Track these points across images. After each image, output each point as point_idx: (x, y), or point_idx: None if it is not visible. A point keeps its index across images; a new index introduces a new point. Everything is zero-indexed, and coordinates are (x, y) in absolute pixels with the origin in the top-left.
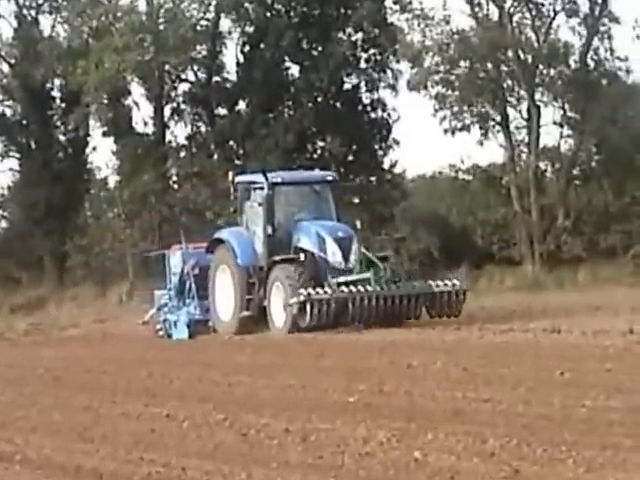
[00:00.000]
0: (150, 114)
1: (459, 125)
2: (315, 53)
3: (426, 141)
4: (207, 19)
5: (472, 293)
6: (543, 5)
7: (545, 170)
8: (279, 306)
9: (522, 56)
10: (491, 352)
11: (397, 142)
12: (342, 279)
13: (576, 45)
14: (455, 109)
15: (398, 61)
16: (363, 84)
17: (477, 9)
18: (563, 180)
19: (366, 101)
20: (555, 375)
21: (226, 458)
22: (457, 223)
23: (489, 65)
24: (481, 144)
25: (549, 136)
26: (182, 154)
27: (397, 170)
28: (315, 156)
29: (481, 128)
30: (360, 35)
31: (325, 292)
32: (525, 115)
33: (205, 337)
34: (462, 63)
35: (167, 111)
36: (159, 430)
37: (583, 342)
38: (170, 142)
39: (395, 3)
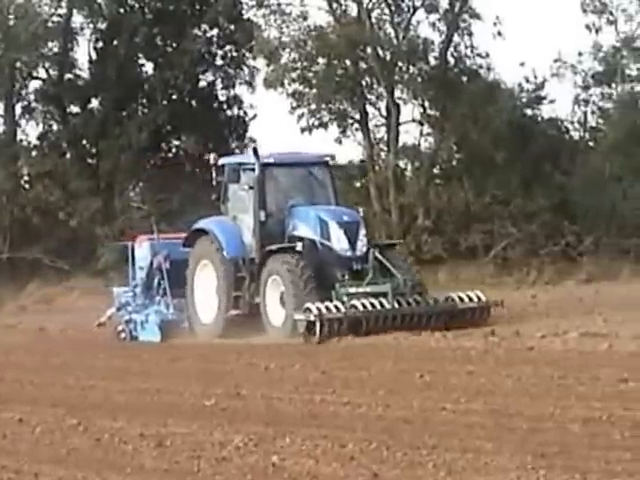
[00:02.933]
0: (0, 112)
1: (317, 123)
2: (170, 50)
3: (283, 139)
4: (59, 15)
5: None
6: (403, 1)
7: (405, 169)
8: (276, 303)
9: (381, 53)
10: (350, 355)
11: (254, 140)
12: (353, 290)
13: (436, 42)
14: (313, 107)
15: (255, 58)
16: (219, 81)
17: (335, 5)
18: (423, 179)
19: (222, 98)
20: (415, 378)
21: (80, 463)
22: None
23: (347, 62)
24: (339, 142)
25: (409, 134)
26: (34, 153)
27: None
28: (170, 155)
29: (339, 126)
30: (215, 31)
31: (337, 309)
32: (384, 113)
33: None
34: (320, 60)
35: (18, 109)
36: (11, 436)
37: (444, 344)
38: (21, 141)
39: None
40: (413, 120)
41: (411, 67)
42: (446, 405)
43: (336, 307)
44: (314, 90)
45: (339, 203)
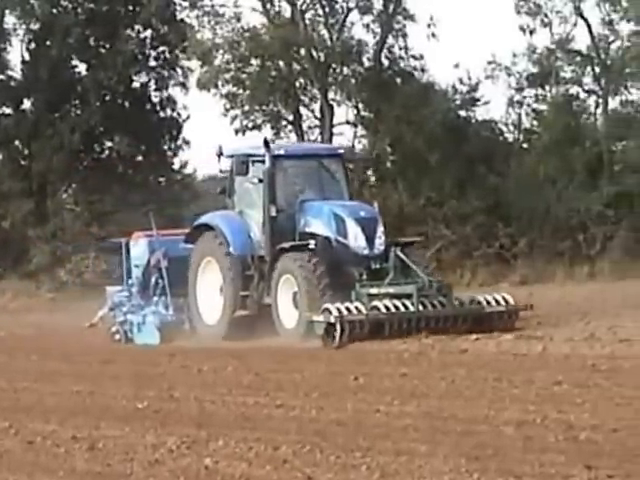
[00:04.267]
0: None
1: (250, 125)
2: (103, 51)
3: (217, 141)
4: None
5: None
6: (336, 2)
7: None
8: (288, 303)
9: (315, 54)
10: (284, 358)
11: (187, 142)
12: (375, 291)
13: (370, 43)
14: (246, 108)
15: (188, 59)
16: (152, 82)
17: (269, 6)
18: (357, 180)
19: (155, 100)
20: (349, 380)
21: (11, 467)
22: None
23: (281, 63)
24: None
25: (343, 136)
26: None
27: (187, 170)
28: (103, 156)
29: (273, 128)
30: (149, 32)
31: (358, 310)
32: (318, 114)
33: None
34: (253, 61)
35: None
36: None
37: (377, 347)
38: None
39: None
40: (347, 122)
41: (345, 68)
42: (380, 407)
43: (357, 308)
44: (248, 91)
45: (352, 198)
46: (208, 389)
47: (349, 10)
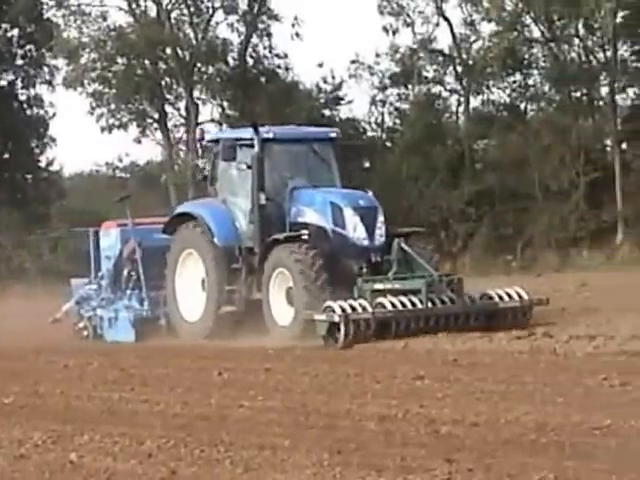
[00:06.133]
0: None
1: (117, 123)
2: None
3: (84, 139)
4: None
5: None
6: (202, 2)
7: (204, 168)
8: (281, 299)
9: (180, 53)
10: (149, 353)
11: (54, 140)
12: (380, 286)
13: (235, 42)
14: (112, 107)
15: (55, 57)
16: (19, 80)
17: (135, 5)
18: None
19: (22, 98)
20: (213, 375)
21: None
22: None
23: (147, 62)
24: (139, 142)
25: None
26: None
27: (54, 168)
28: None
29: (139, 126)
30: (16, 31)
31: (363, 308)
32: (184, 113)
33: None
34: (119, 60)
35: None
36: None
37: (244, 344)
38: None
39: None
40: (212, 120)
41: (210, 67)
42: (244, 402)
43: (362, 306)
44: (114, 90)
45: (344, 185)
46: (74, 385)
47: (214, 10)
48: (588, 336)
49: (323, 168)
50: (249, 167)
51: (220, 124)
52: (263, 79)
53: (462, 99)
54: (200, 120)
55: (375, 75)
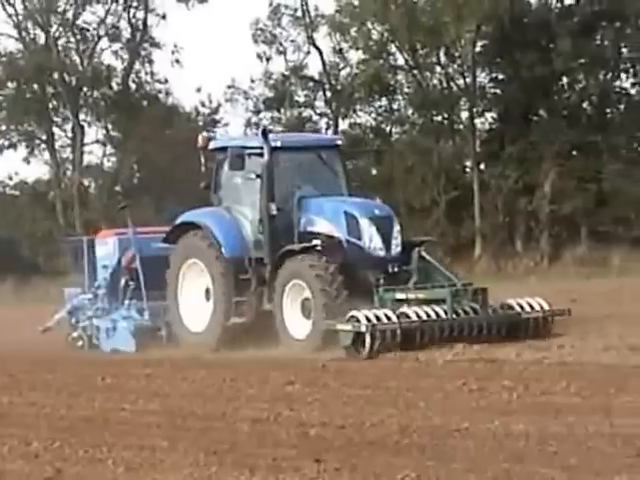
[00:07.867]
0: None
1: (7, 143)
2: None
3: None
4: None
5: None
6: (88, 30)
7: (89, 186)
8: (296, 311)
9: (67, 78)
10: (37, 359)
11: None
12: (402, 296)
13: (119, 68)
14: (3, 128)
15: None
16: None
17: (24, 33)
18: (105, 195)
19: None
20: (97, 380)
21: None
22: (4, 236)
23: (35, 86)
24: (27, 162)
25: (93, 154)
26: None
27: None
28: None
29: (27, 146)
30: None
31: (388, 318)
32: (70, 134)
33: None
34: (9, 84)
35: None
36: None
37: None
38: None
39: None
40: (97, 141)
41: (95, 92)
42: (125, 406)
43: (387, 316)
44: (4, 112)
45: (352, 193)
46: None
47: (99, 37)
48: (448, 344)
49: (330, 176)
50: (258, 176)
51: (104, 145)
52: (145, 103)
53: (331, 122)
54: (86, 141)
55: (250, 99)
